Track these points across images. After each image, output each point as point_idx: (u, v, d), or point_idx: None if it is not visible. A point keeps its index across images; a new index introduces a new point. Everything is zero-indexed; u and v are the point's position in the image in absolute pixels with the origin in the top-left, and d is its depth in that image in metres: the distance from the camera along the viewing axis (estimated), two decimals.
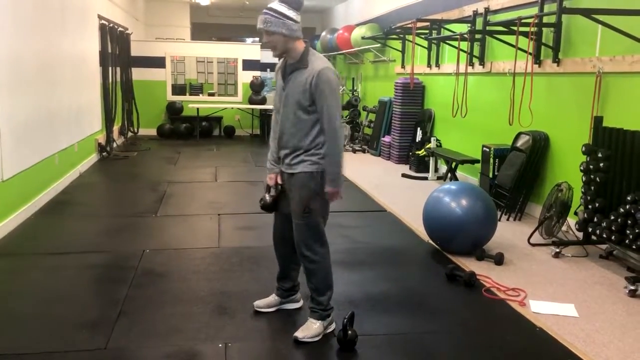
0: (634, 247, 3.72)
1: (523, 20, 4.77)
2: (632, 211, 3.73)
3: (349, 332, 2.79)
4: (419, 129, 8.27)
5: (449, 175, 6.88)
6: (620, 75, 4.37)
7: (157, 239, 4.64)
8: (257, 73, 12.00)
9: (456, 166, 6.83)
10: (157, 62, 11.63)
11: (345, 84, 12.14)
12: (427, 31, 7.68)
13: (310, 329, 2.90)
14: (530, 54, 4.95)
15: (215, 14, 15.37)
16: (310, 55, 2.83)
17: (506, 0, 5.95)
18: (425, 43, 8.00)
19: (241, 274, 3.84)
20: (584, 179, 4.32)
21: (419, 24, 7.38)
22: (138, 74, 11.20)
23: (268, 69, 13.21)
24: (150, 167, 8.03)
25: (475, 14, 6.57)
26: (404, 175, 7.61)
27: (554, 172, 5.23)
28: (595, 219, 4.13)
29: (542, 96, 5.32)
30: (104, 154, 8.62)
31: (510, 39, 5.42)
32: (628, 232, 3.76)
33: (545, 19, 5.17)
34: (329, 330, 2.97)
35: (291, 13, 2.76)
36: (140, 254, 4.18)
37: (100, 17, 8.57)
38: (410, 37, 8.04)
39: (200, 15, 15.10)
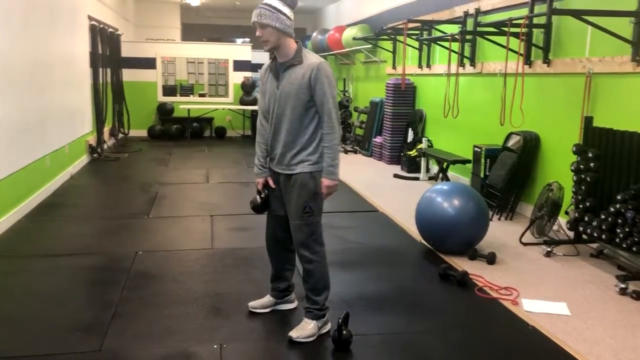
0: (624, 245, 3.76)
1: (514, 21, 4.80)
2: (622, 210, 3.77)
3: (344, 332, 2.80)
4: (410, 129, 8.29)
5: (441, 175, 6.91)
6: (610, 75, 4.42)
7: (150, 240, 4.62)
8: (248, 74, 11.97)
9: (447, 166, 6.86)
10: (148, 63, 11.59)
11: (337, 85, 12.13)
12: (418, 32, 7.71)
13: (305, 329, 2.91)
14: (520, 54, 4.98)
15: (205, 15, 15.33)
16: (304, 52, 2.87)
17: (497, 1, 5.99)
18: (416, 44, 8.03)
19: (235, 275, 3.84)
20: (574, 178, 4.36)
21: (410, 25, 7.41)
22: (128, 75, 11.16)
23: (259, 70, 13.14)
24: (141, 169, 7.99)
25: (466, 15, 6.60)
26: (395, 176, 7.64)
27: (544, 172, 5.27)
28: (586, 218, 4.17)
29: (533, 97, 5.36)
30: (95, 155, 8.57)
31: (501, 39, 5.45)
32: (618, 231, 3.80)
33: (535, 20, 5.21)
34: (324, 331, 2.97)
35: (285, 9, 2.79)
36: (133, 255, 4.17)
37: (90, 18, 8.53)
38: (401, 38, 8.08)
39: (191, 15, 15.05)
